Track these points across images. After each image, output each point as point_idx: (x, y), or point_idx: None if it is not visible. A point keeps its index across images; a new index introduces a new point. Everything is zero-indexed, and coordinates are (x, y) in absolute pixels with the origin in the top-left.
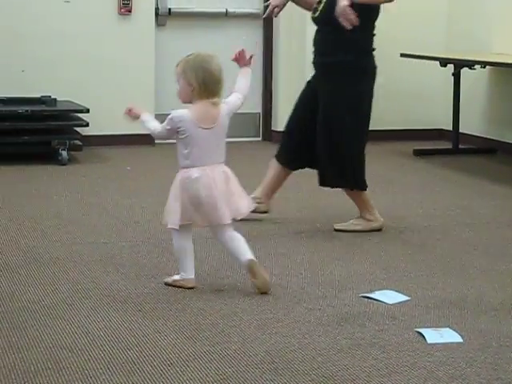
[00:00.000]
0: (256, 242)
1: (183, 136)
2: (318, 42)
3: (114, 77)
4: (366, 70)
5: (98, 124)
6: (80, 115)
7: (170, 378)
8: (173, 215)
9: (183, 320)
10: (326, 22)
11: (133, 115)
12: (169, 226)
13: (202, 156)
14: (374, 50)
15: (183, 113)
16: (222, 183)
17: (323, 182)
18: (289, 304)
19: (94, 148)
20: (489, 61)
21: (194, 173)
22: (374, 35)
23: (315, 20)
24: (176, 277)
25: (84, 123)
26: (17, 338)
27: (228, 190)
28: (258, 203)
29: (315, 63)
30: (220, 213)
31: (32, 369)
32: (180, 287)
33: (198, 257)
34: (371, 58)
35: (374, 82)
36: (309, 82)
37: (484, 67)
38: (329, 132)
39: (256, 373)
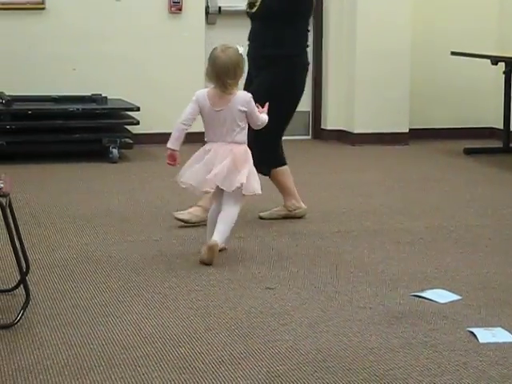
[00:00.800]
0: (304, 240)
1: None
2: (258, 35)
3: (164, 75)
4: (304, 65)
5: (148, 122)
6: (130, 113)
7: (222, 376)
8: None
9: (234, 318)
10: (264, 17)
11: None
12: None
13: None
14: (308, 46)
15: (201, 92)
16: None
17: None
18: (340, 303)
19: (145, 146)
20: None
21: (207, 146)
22: (308, 31)
23: (253, 15)
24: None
25: (135, 121)
26: (70, 335)
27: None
28: (294, 210)
29: (255, 56)
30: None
31: (85, 365)
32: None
33: (249, 256)
34: (307, 54)
35: (306, 77)
36: (248, 77)
37: None
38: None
39: (307, 371)
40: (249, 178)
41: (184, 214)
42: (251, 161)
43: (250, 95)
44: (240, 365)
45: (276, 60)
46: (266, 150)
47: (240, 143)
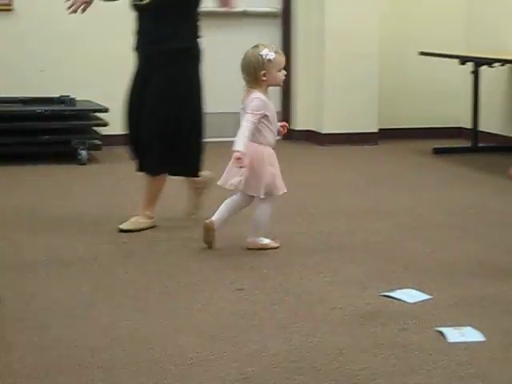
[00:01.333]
0: (279, 241)
1: None
2: (151, 30)
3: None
4: (200, 57)
5: (117, 123)
6: (99, 115)
7: (192, 378)
8: None
9: (204, 319)
10: (158, 9)
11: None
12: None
13: None
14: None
15: None
16: None
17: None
18: (310, 303)
19: (114, 147)
20: (508, 58)
21: None
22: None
23: (142, 7)
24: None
25: (103, 123)
26: (39, 337)
27: None
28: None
29: (150, 53)
30: None
31: (54, 369)
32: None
33: (218, 257)
34: (200, 45)
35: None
36: (136, 77)
37: (503, 65)
38: (166, 117)
39: (277, 372)
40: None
41: (127, 224)
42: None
43: (254, 96)
44: (210, 366)
45: (179, 55)
46: (201, 152)
47: (258, 144)
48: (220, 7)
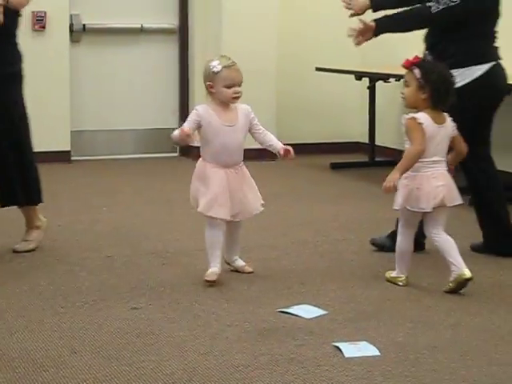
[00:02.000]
0: (169, 258)
1: None
2: None
3: (28, 93)
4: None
5: None
6: None
7: None
8: None
9: (100, 340)
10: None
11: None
12: None
13: None
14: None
15: None
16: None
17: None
18: (206, 321)
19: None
20: (403, 74)
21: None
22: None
23: None
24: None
25: None
26: None
27: None
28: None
29: None
30: None
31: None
32: None
33: (114, 276)
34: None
35: None
36: None
37: (398, 80)
38: (19, 147)
39: None
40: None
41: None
42: None
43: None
44: None
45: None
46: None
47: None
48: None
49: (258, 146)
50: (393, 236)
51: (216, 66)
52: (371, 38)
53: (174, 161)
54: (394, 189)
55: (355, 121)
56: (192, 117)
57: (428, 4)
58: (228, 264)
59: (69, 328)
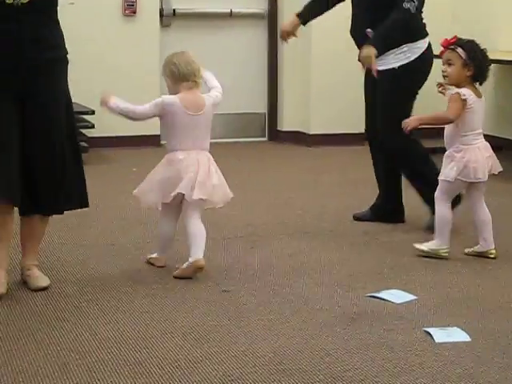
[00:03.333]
0: (259, 242)
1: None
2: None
3: (119, 78)
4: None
5: (103, 126)
6: (85, 117)
7: (178, 380)
8: None
9: (190, 321)
10: (44, 8)
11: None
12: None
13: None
14: None
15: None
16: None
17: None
18: (296, 304)
19: (100, 150)
20: (494, 58)
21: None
22: None
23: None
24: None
25: (90, 125)
26: (24, 341)
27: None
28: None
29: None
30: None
31: (40, 372)
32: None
33: (205, 257)
34: None
35: None
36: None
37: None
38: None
39: (264, 373)
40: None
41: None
42: None
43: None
44: (196, 368)
45: (58, 63)
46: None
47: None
48: None
49: (337, 131)
50: (374, 208)
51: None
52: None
53: (263, 145)
54: (409, 131)
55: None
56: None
57: (405, 6)
58: None
59: (160, 310)
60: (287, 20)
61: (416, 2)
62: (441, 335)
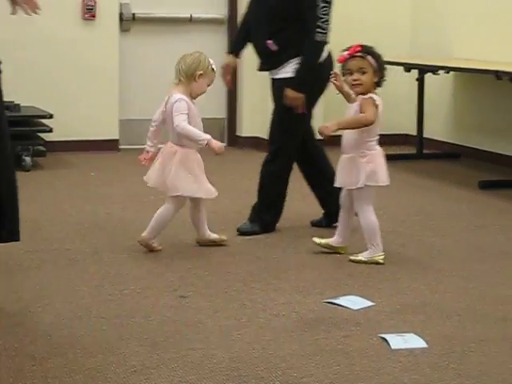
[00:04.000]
0: (217, 247)
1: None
2: None
3: (78, 82)
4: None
5: (62, 130)
6: (44, 121)
7: None
8: None
9: (147, 327)
10: None
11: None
12: None
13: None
14: None
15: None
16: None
17: None
18: (253, 310)
19: (58, 154)
20: (452, 66)
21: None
22: None
23: None
24: None
25: (48, 129)
26: None
27: None
28: None
29: None
30: None
31: None
32: None
33: (162, 264)
34: None
35: None
36: None
37: (448, 72)
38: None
39: (220, 380)
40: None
41: None
42: None
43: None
44: (152, 374)
45: None
46: None
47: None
48: None
49: None
50: (327, 216)
51: (213, 64)
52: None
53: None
54: (327, 136)
55: (404, 113)
56: (185, 107)
57: (317, 39)
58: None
59: (116, 315)
60: (224, 63)
61: (325, 31)
62: (397, 342)
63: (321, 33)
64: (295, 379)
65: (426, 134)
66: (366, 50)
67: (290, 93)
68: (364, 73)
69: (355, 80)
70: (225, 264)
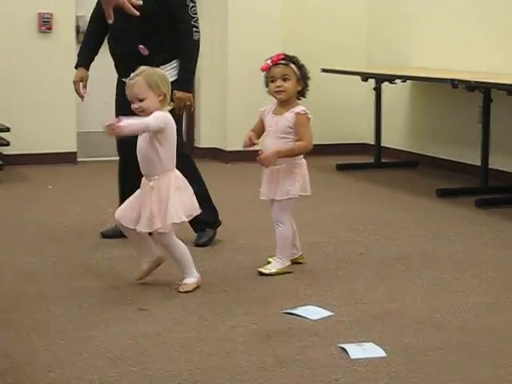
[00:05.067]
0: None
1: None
2: None
3: (35, 95)
4: None
5: (19, 143)
6: (0, 134)
7: None
8: None
9: (105, 341)
10: None
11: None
12: None
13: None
14: None
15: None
16: None
17: None
18: (212, 322)
19: (16, 167)
20: (409, 75)
21: None
22: None
23: None
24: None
25: (5, 142)
26: None
27: None
28: None
29: None
30: None
31: None
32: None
33: (121, 277)
34: None
35: None
36: None
37: (405, 81)
38: None
39: None
40: None
41: None
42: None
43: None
44: None
45: None
46: None
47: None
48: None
49: (254, 148)
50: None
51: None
52: None
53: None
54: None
55: (361, 122)
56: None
57: (195, 37)
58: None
59: (74, 328)
60: (76, 77)
61: (199, 29)
62: (356, 351)
63: (197, 32)
64: None
65: (383, 143)
66: (289, 59)
67: (179, 94)
68: (287, 80)
69: (278, 87)
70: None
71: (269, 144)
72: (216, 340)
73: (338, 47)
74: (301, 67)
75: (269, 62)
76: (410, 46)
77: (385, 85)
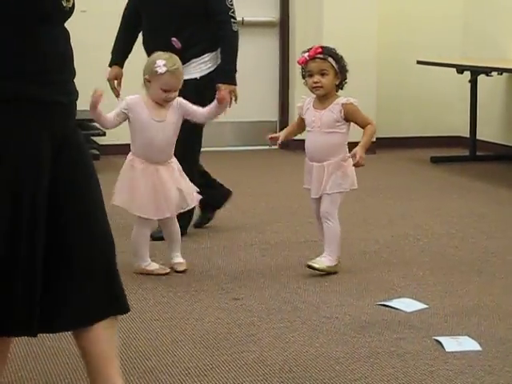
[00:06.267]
0: (271, 250)
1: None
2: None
3: (134, 86)
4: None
5: (115, 133)
6: (97, 124)
7: None
8: None
9: (200, 329)
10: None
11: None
12: None
13: None
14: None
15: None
16: None
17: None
18: (306, 313)
19: (111, 157)
20: (506, 67)
21: None
22: None
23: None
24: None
25: (101, 132)
26: (37, 347)
27: None
28: None
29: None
30: None
31: (52, 379)
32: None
33: (215, 266)
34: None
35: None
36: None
37: (501, 74)
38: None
39: (274, 382)
40: None
41: None
42: None
43: None
44: (206, 376)
45: None
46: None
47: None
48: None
49: (350, 140)
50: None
51: (161, 66)
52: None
53: (274, 153)
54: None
55: (456, 114)
56: (120, 105)
57: (234, 29)
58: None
59: (170, 317)
60: (112, 75)
61: (236, 21)
62: (451, 344)
63: (235, 23)
64: (349, 381)
65: (479, 136)
66: (327, 52)
67: (224, 87)
68: (325, 75)
69: (316, 82)
70: (278, 267)
71: (314, 140)
72: (310, 330)
73: (433, 39)
74: (339, 60)
75: (306, 55)
76: (507, 39)
77: (480, 77)
